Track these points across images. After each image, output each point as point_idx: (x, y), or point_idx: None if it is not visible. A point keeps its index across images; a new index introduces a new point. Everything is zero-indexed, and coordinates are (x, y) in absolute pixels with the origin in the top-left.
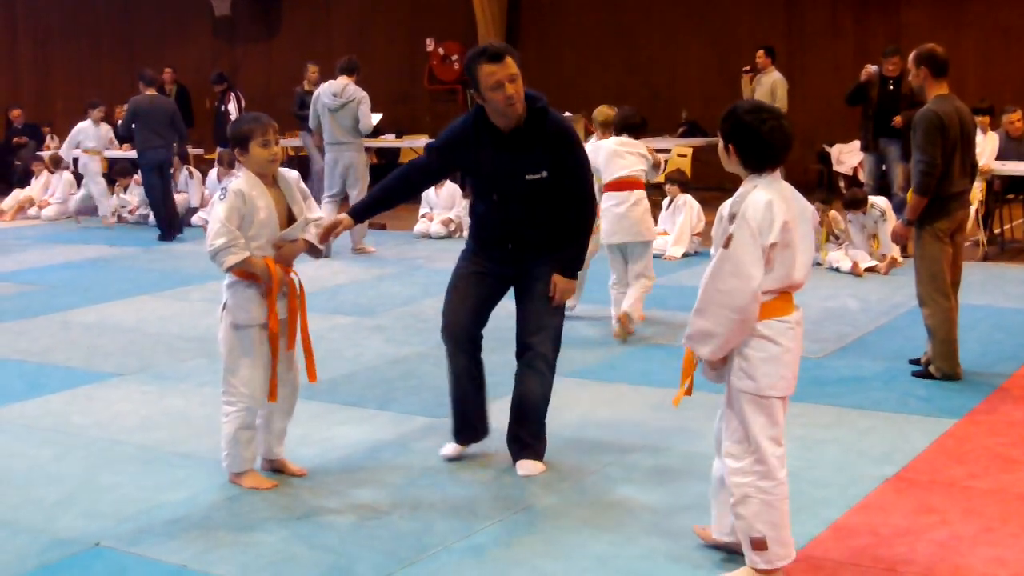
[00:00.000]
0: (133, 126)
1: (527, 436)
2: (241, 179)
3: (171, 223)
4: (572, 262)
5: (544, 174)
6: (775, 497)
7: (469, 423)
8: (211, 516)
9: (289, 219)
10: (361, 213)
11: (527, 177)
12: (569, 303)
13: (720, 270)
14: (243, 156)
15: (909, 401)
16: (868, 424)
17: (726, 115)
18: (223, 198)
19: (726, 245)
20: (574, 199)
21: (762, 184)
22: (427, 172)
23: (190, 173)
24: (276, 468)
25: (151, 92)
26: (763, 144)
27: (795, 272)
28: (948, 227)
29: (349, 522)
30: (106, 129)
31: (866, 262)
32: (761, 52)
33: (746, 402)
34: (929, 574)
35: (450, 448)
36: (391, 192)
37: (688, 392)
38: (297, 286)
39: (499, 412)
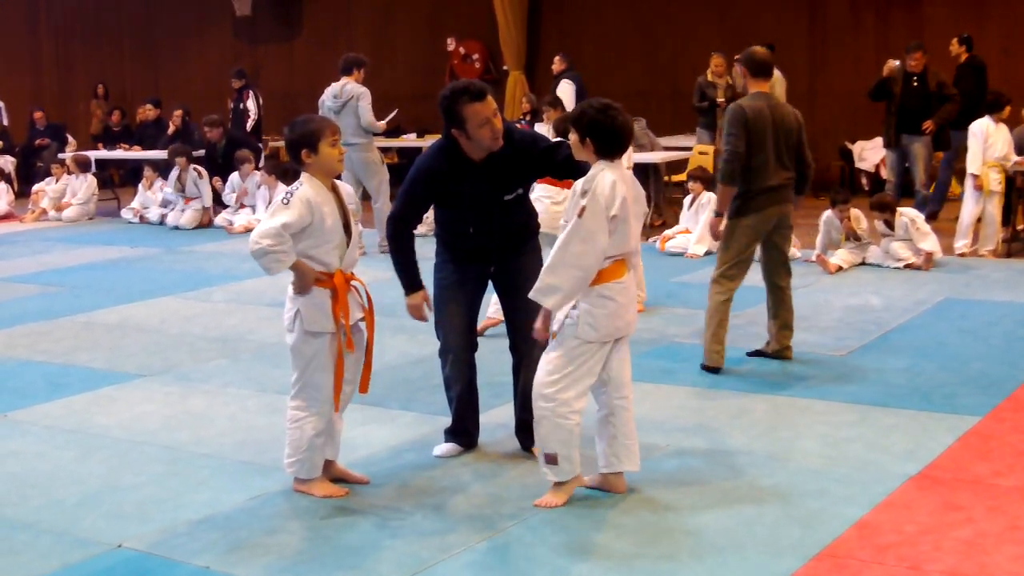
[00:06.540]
0: None
1: None
2: (306, 187)
3: None
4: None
5: (520, 191)
6: (569, 422)
7: (466, 429)
8: (234, 517)
9: (345, 227)
10: (419, 278)
11: (505, 198)
12: None
13: (574, 236)
14: (311, 156)
15: (933, 398)
16: (892, 422)
17: (579, 115)
18: (287, 203)
19: (580, 215)
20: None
21: (608, 168)
22: (417, 222)
23: (199, 174)
24: (335, 476)
25: None
26: (615, 137)
27: (629, 241)
28: (757, 223)
29: (372, 523)
30: None
31: (905, 260)
32: None
33: (583, 347)
34: (954, 573)
35: (444, 448)
36: (412, 250)
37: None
38: (363, 293)
39: (506, 417)
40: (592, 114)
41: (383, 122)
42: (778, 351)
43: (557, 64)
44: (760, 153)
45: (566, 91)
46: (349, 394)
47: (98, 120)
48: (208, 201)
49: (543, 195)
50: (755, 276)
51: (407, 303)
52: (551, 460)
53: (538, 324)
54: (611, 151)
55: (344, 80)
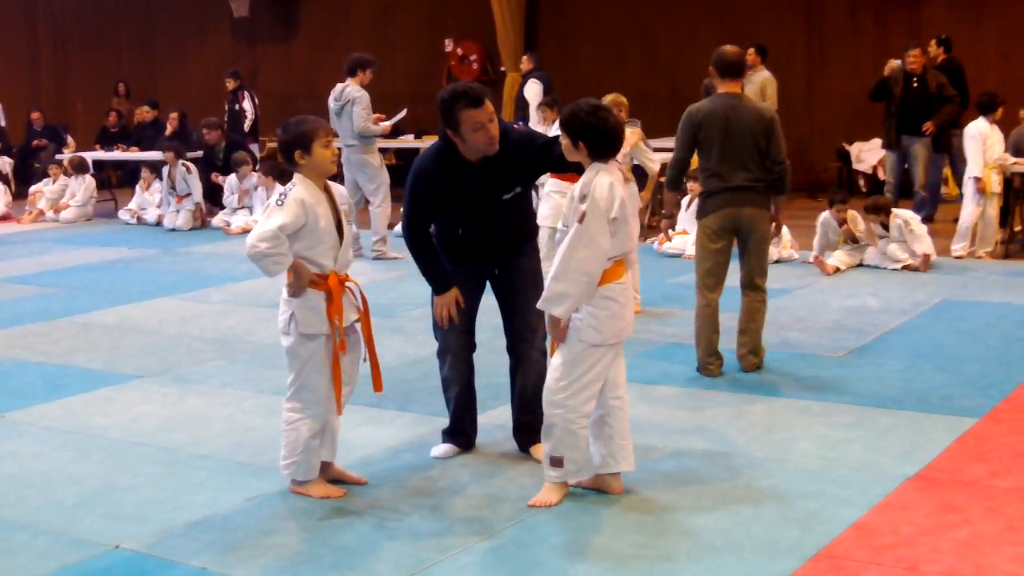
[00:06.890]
0: None
1: (536, 422)
2: (300, 188)
3: None
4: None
5: (519, 189)
6: (578, 426)
7: (463, 429)
8: (231, 518)
9: (338, 228)
10: (449, 276)
11: (504, 197)
12: None
13: (576, 242)
14: (305, 158)
15: (930, 400)
16: (889, 423)
17: (569, 118)
18: (282, 204)
19: (580, 220)
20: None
21: (603, 170)
22: (429, 223)
23: (187, 169)
24: (333, 477)
25: None
26: (607, 137)
27: (628, 241)
28: (715, 224)
29: (369, 524)
30: None
31: (902, 261)
32: (752, 50)
33: (589, 351)
34: (951, 574)
35: (442, 449)
36: (434, 250)
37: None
38: (358, 295)
39: (503, 418)
40: (583, 117)
41: (387, 123)
42: (739, 357)
43: (525, 63)
44: (711, 155)
45: (533, 90)
46: (347, 395)
47: (122, 118)
48: (199, 196)
49: (553, 190)
50: None
51: (437, 302)
52: (557, 463)
53: (552, 332)
54: (604, 152)
55: (347, 82)
